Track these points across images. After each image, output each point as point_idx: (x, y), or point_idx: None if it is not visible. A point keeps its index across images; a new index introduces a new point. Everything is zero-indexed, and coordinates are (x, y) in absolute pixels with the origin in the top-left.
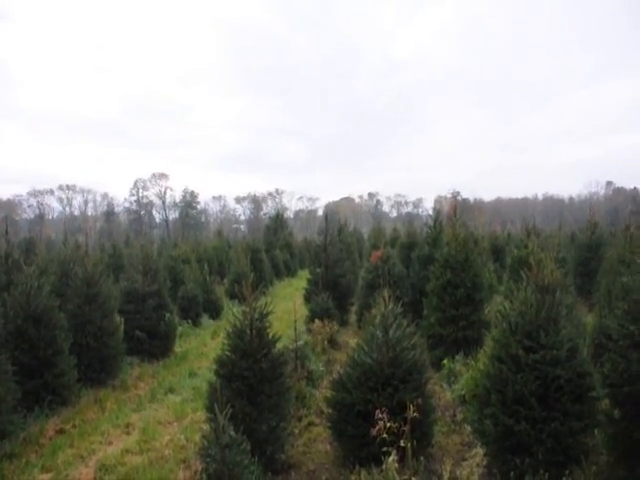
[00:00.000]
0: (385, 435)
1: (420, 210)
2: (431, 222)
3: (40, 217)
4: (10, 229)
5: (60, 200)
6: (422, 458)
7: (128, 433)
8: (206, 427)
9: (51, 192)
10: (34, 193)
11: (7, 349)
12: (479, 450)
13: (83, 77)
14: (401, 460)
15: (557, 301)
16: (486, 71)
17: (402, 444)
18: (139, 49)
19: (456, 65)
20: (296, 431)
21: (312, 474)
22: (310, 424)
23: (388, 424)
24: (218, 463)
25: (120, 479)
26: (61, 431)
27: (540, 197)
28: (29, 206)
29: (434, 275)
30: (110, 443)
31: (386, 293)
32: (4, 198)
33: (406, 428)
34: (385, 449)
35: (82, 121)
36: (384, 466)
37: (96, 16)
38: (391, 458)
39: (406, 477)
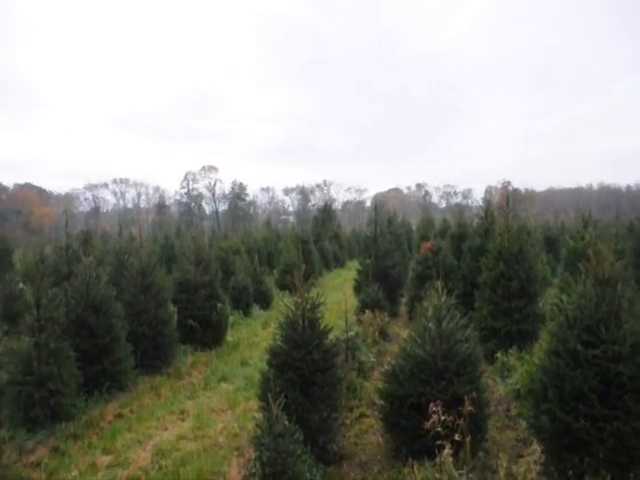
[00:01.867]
0: (439, 428)
1: (469, 201)
2: (482, 213)
3: (96, 210)
4: (68, 222)
5: (114, 193)
6: (481, 454)
7: (183, 420)
8: (259, 416)
9: (106, 186)
10: (90, 187)
11: (69, 336)
12: (537, 447)
13: (133, 74)
14: (455, 454)
15: (618, 294)
16: (535, 56)
17: (457, 438)
18: (184, 45)
19: (504, 51)
20: (347, 422)
21: (364, 465)
22: (361, 415)
23: (442, 417)
24: (271, 452)
25: (176, 464)
26: (119, 415)
27: (595, 186)
28: (85, 199)
29: (486, 267)
30: (165, 429)
31: (439, 284)
32: (63, 192)
33: (461, 422)
34: (439, 443)
35: (135, 117)
36: (437, 460)
37: (142, 15)
38: (445, 452)
39: (463, 472)
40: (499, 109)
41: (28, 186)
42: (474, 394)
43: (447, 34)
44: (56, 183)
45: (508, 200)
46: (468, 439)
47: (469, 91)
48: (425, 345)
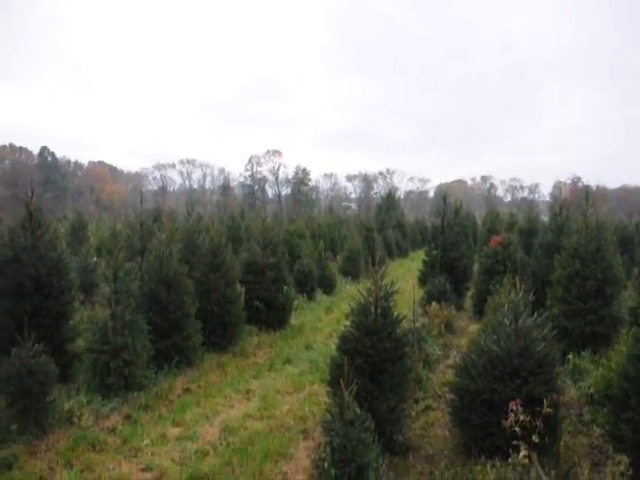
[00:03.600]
0: (517, 428)
1: (536, 196)
2: (556, 208)
3: (163, 189)
4: (139, 200)
5: (181, 173)
6: (576, 459)
7: (249, 399)
8: (327, 401)
9: (173, 166)
10: (158, 166)
11: (142, 310)
12: (624, 458)
13: (204, 61)
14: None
15: None
16: (610, 47)
17: (535, 439)
18: (252, 32)
19: (577, 41)
20: (413, 414)
21: (430, 458)
22: (427, 408)
23: (521, 417)
24: (342, 438)
25: (243, 442)
26: (188, 390)
27: None
28: (154, 179)
29: (560, 264)
30: (232, 406)
31: (517, 280)
32: (133, 171)
33: (539, 423)
34: (515, 443)
35: (204, 102)
36: (511, 460)
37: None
38: (522, 453)
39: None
40: (570, 102)
41: (101, 164)
42: (554, 395)
43: (518, 24)
44: (127, 162)
45: (588, 196)
46: (561, 443)
47: (539, 83)
48: (500, 341)
